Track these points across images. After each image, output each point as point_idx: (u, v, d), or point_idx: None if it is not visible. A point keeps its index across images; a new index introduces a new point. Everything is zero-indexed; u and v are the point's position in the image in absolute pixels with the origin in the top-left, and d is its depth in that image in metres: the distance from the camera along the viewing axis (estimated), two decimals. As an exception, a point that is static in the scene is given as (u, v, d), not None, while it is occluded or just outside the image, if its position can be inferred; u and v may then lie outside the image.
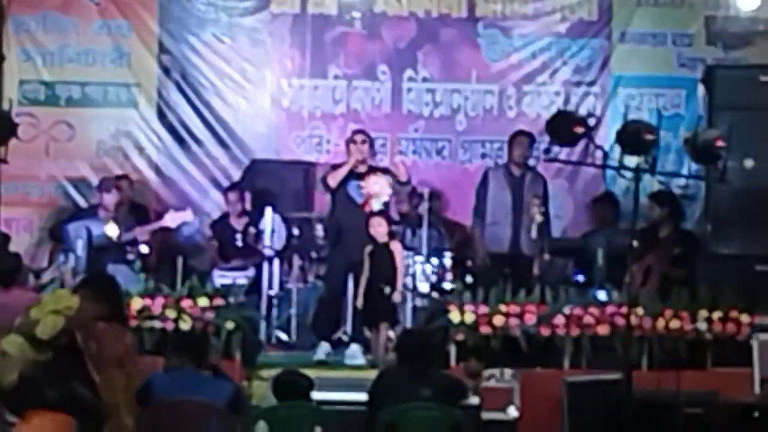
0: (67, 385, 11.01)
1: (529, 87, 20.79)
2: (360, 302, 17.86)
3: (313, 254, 19.20)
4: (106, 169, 20.23)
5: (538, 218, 18.10)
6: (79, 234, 18.55)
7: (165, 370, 14.82)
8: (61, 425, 10.67)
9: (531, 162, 18.76)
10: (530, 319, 16.55)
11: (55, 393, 11.07)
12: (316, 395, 14.46)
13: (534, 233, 18.17)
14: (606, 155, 15.86)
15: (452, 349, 16.49)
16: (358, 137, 18.79)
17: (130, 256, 18.43)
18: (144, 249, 18.42)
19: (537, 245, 18.40)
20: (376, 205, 18.03)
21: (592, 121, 16.75)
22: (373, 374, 14.98)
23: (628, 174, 15.18)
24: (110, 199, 18.78)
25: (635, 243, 15.81)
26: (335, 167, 18.57)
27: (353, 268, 18.05)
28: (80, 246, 18.24)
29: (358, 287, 17.93)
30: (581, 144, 15.98)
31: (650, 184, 16.86)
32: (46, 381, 10.91)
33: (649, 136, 15.04)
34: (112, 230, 18.25)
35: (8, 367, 11.30)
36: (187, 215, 19.13)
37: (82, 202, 20.11)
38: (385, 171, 18.51)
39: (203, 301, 16.67)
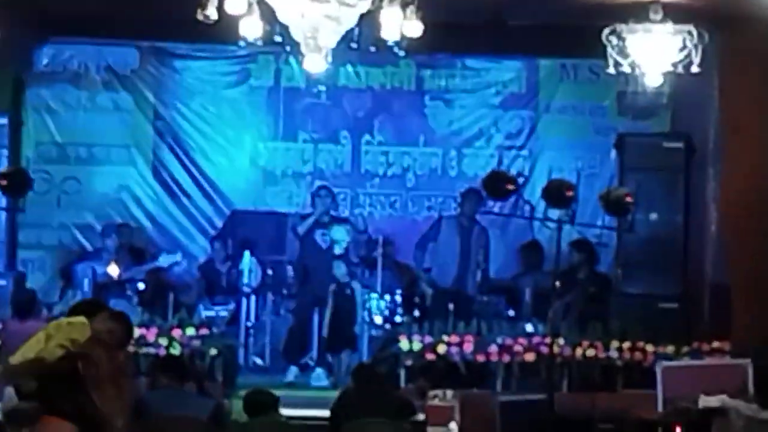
0: (75, 399, 11.20)
1: (468, 150, 20.84)
2: (326, 332, 18.05)
3: (284, 291, 19.28)
4: (108, 217, 20.26)
5: (482, 265, 18.33)
6: (86, 273, 18.67)
7: (153, 388, 15.00)
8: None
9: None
10: (468, 348, 16.67)
11: (68, 405, 11.25)
12: (286, 411, 14.52)
13: (478, 276, 18.39)
14: (533, 208, 16.13)
15: (402, 373, 16.61)
16: (323, 192, 18.97)
17: (129, 292, 18.54)
18: (141, 286, 18.49)
19: (477, 286, 18.62)
20: (337, 250, 18.22)
21: (521, 180, 16.97)
22: (334, 394, 15.09)
23: (552, 224, 15.45)
24: (112, 243, 18.87)
25: (557, 283, 16.01)
26: (303, 217, 18.75)
27: (318, 303, 18.24)
28: (86, 283, 18.37)
29: (323, 319, 18.12)
30: (512, 199, 16.16)
31: (570, 233, 16.94)
32: (60, 394, 11.09)
33: (569, 193, 15.28)
34: (113, 270, 18.35)
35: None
36: (177, 257, 19.24)
37: (88, 246, 20.14)
38: (345, 221, 18.71)
39: (191, 331, 16.78)
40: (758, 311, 16.81)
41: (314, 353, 18.39)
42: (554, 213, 15.38)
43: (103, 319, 11.82)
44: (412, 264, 19.59)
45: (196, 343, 16.68)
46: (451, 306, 17.79)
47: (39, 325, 15.55)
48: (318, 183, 19.94)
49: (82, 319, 11.76)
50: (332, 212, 18.80)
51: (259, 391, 14.57)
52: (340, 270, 18.24)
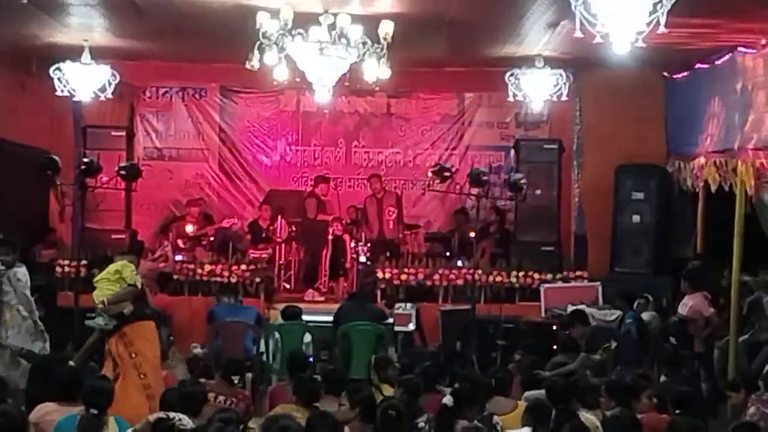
0: (148, 306, 11.32)
1: (420, 151, 20.81)
2: (327, 266, 18.15)
3: (302, 241, 19.28)
4: (190, 195, 20.21)
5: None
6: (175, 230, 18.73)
7: (218, 303, 15.09)
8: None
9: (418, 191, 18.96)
10: (420, 276, 16.77)
11: (148, 310, 11.34)
12: (306, 318, 14.72)
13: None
14: (461, 187, 16.08)
15: (378, 293, 16.66)
16: (319, 177, 19.16)
17: (204, 242, 18.54)
18: (211, 239, 18.54)
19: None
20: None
21: (453, 170, 16.95)
22: (336, 306, 15.19)
23: (473, 198, 15.47)
24: (193, 211, 18.89)
25: (475, 234, 16.08)
26: (309, 194, 18.90)
27: (322, 248, 18.32)
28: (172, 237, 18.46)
29: (325, 259, 18.23)
30: (448, 181, 16.16)
31: (485, 203, 16.97)
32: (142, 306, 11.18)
33: (485, 177, 15.29)
34: (190, 228, 18.37)
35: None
36: (234, 220, 19.25)
37: (177, 213, 20.09)
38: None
39: (243, 267, 16.82)
40: (603, 252, 16.93)
41: (324, 280, 18.46)
42: (475, 190, 15.41)
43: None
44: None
45: (247, 274, 16.69)
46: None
47: (147, 263, 15.69)
48: (323, 173, 19.98)
49: (126, 260, 11.75)
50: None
51: (289, 305, 14.74)
52: (336, 227, 18.37)
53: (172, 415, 7.25)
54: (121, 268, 11.42)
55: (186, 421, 7.18)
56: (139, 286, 11.41)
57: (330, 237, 18.32)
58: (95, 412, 7.72)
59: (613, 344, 12.65)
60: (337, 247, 18.34)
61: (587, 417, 8.69)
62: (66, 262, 16.44)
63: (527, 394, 10.22)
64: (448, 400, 8.60)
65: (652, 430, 8.30)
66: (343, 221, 18.65)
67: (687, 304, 13.21)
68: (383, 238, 18.55)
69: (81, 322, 14.18)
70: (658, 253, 16.66)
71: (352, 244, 18.44)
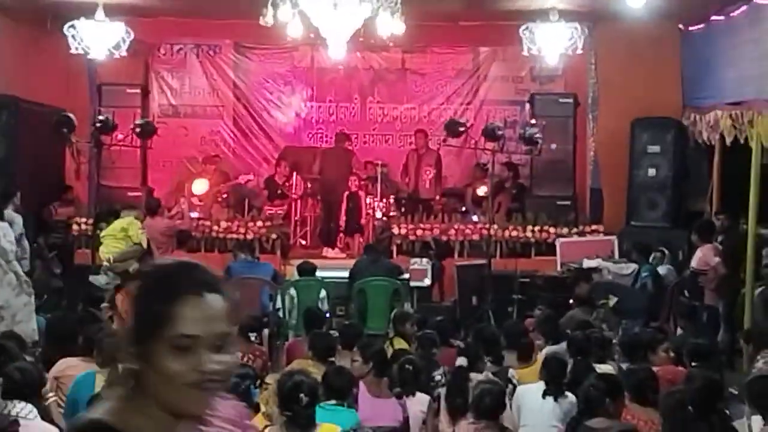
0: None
1: (435, 106, 20.79)
2: (342, 222, 18.18)
3: (318, 197, 19.27)
4: (205, 151, 20.23)
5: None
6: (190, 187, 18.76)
7: (235, 259, 15.12)
8: None
9: (434, 146, 18.93)
10: (436, 232, 16.78)
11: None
12: (321, 273, 14.75)
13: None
14: (476, 142, 16.07)
15: (394, 248, 16.69)
16: (342, 134, 19.07)
17: (219, 199, 18.56)
18: (224, 195, 18.57)
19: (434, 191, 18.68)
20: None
21: (468, 124, 16.94)
22: (352, 262, 15.20)
23: (488, 152, 15.45)
24: (209, 168, 18.93)
25: (487, 189, 16.07)
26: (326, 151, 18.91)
27: (338, 204, 18.34)
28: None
29: (341, 215, 18.26)
30: (463, 136, 16.17)
31: (500, 157, 16.90)
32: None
33: (500, 132, 15.30)
34: (201, 186, 18.40)
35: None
36: (250, 177, 19.29)
37: (192, 170, 20.11)
38: (353, 153, 18.77)
39: (259, 224, 16.87)
40: (619, 206, 16.88)
41: (341, 236, 18.50)
42: (490, 145, 15.40)
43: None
44: (398, 180, 19.54)
45: (263, 231, 16.72)
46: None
47: (163, 221, 15.73)
48: (339, 128, 19.94)
49: (132, 217, 11.75)
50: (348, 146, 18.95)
51: (305, 261, 14.76)
52: (353, 183, 18.37)
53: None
54: (127, 225, 11.48)
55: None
56: (145, 244, 11.47)
57: (345, 193, 18.32)
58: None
59: (612, 300, 12.65)
60: (353, 203, 18.35)
61: (602, 369, 8.70)
62: (83, 219, 16.49)
63: (546, 348, 10.21)
64: (462, 361, 8.65)
65: (669, 382, 8.30)
66: (360, 177, 18.61)
67: (697, 256, 13.24)
68: (417, 195, 18.53)
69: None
70: (674, 206, 16.62)
71: (368, 200, 18.45)
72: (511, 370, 8.91)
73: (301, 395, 6.38)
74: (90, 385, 7.43)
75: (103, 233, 11.95)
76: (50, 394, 7.71)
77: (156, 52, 20.48)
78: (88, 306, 11.71)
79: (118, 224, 11.68)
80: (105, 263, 11.31)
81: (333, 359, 9.01)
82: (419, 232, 16.80)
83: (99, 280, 11.38)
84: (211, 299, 2.83)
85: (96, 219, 13.75)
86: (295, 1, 11.61)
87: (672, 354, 9.45)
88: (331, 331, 10.67)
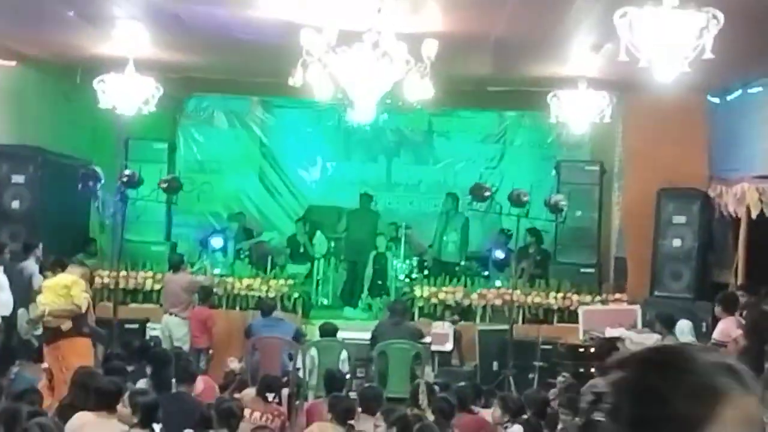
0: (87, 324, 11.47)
1: (461, 169, 20.85)
2: (368, 284, 18.16)
3: (341, 257, 19.32)
4: (230, 208, 20.34)
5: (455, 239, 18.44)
6: (215, 243, 18.81)
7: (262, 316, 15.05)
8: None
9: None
10: (458, 295, 16.72)
11: (86, 328, 11.52)
12: (342, 335, 14.73)
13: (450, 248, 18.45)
14: (501, 207, 16.07)
15: (416, 311, 16.63)
16: (366, 195, 19.11)
17: (242, 256, 18.62)
18: (247, 252, 18.63)
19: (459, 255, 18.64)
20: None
21: (493, 189, 16.96)
22: (374, 324, 15.17)
23: (513, 217, 15.44)
24: (233, 225, 19.01)
25: (516, 255, 16.05)
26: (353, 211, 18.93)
27: (362, 264, 18.34)
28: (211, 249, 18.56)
29: (366, 275, 18.25)
30: (488, 201, 16.17)
31: (525, 223, 16.88)
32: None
33: (525, 198, 15.29)
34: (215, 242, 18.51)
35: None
36: (274, 235, 19.35)
37: (216, 226, 20.18)
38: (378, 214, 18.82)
39: (282, 281, 16.84)
40: (643, 275, 16.80)
41: (363, 297, 18.48)
42: (515, 210, 15.41)
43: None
44: (423, 241, 19.55)
45: (285, 289, 16.66)
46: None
47: (186, 276, 15.74)
48: (363, 189, 19.99)
49: (77, 277, 11.79)
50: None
51: (327, 322, 14.75)
52: (382, 243, 18.39)
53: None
54: (71, 284, 11.53)
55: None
56: (84, 308, 11.57)
57: (372, 254, 18.33)
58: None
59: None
60: (381, 264, 18.35)
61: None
62: (105, 273, 16.51)
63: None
64: (517, 430, 8.60)
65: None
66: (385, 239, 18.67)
67: (719, 329, 13.16)
68: (439, 258, 18.49)
69: (120, 333, 14.37)
70: (698, 277, 16.55)
71: (394, 262, 18.46)
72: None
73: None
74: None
75: (45, 282, 12.00)
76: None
77: (184, 107, 20.63)
78: (110, 359, 11.75)
79: (62, 279, 11.67)
80: (38, 313, 11.43)
81: (352, 422, 8.99)
82: (441, 295, 16.74)
83: (23, 328, 11.61)
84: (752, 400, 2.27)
85: (41, 267, 13.86)
86: (324, 63, 11.66)
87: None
88: (351, 393, 10.64)
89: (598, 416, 7.06)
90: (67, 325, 11.44)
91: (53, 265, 13.10)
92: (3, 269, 13.88)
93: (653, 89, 14.22)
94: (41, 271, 13.56)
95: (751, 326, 12.97)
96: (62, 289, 11.52)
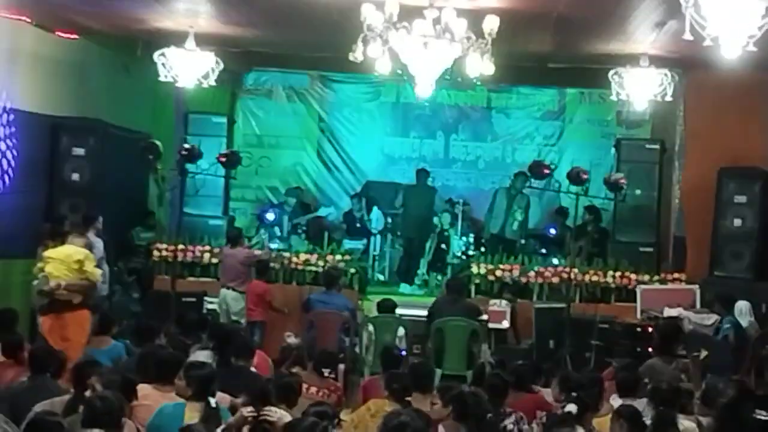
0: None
1: (519, 146, 20.82)
2: (429, 259, 18.16)
3: (398, 233, 19.33)
4: (288, 183, 20.40)
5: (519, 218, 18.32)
6: (272, 217, 18.87)
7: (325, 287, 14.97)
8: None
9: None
10: (515, 273, 16.66)
11: (91, 301, 11.52)
12: (399, 311, 14.71)
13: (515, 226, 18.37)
14: (560, 185, 16.01)
15: (473, 288, 16.59)
16: (423, 171, 19.09)
17: (299, 231, 18.66)
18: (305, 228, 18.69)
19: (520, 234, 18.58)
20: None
21: (552, 167, 16.88)
22: (431, 300, 15.13)
23: (572, 196, 15.36)
24: (291, 200, 19.03)
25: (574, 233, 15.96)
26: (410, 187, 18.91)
27: (421, 240, 18.33)
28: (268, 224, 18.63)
29: (428, 250, 18.23)
30: (547, 179, 16.12)
31: (584, 201, 16.80)
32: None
33: (584, 176, 15.22)
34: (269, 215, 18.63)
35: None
36: (331, 210, 19.36)
37: (274, 200, 20.27)
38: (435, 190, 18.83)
39: (339, 257, 16.82)
40: (702, 255, 16.66)
41: (420, 273, 18.49)
42: (574, 188, 15.33)
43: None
44: (481, 218, 19.53)
45: (341, 264, 16.60)
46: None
47: (243, 251, 15.78)
48: (421, 165, 19.98)
49: (87, 251, 11.75)
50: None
51: (385, 298, 14.73)
52: (445, 219, 18.40)
53: (272, 408, 7.27)
54: (84, 258, 11.46)
55: (281, 413, 7.19)
56: (99, 282, 11.57)
57: (437, 229, 18.35)
58: (214, 405, 7.69)
59: (703, 353, 12.43)
60: (442, 240, 18.35)
61: (686, 424, 8.55)
62: (163, 246, 16.59)
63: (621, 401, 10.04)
64: (572, 408, 8.53)
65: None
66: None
67: (780, 309, 13.06)
68: (503, 236, 18.45)
69: (177, 306, 14.44)
70: (759, 258, 16.36)
71: (455, 238, 18.47)
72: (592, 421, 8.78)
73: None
74: (179, 417, 7.45)
75: (47, 253, 11.91)
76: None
77: (243, 81, 20.69)
78: (173, 333, 11.81)
79: (72, 253, 11.58)
80: (53, 285, 11.38)
81: (409, 399, 8.96)
82: (498, 273, 16.69)
83: (35, 298, 11.69)
84: None
85: (39, 236, 13.87)
86: (385, 38, 11.61)
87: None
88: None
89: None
90: (78, 299, 11.46)
91: (52, 234, 13.16)
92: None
93: (716, 67, 14.07)
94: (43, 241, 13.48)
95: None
96: (74, 264, 11.48)
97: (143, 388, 8.33)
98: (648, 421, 8.39)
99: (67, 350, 10.30)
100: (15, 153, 14.70)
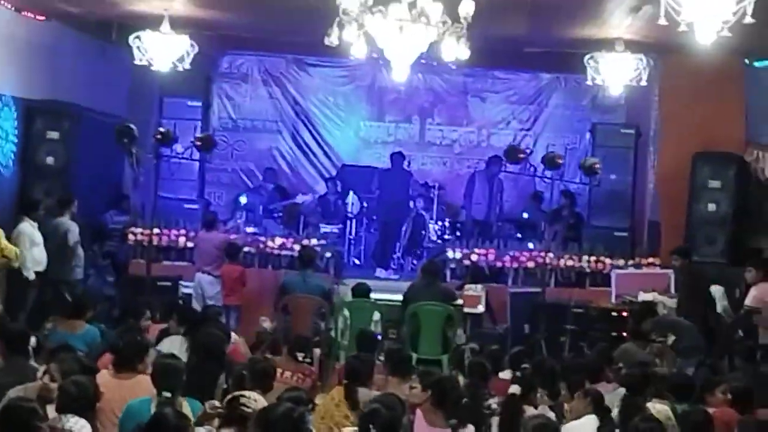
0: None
1: (495, 130, 20.80)
2: (405, 243, 18.17)
3: (374, 217, 19.32)
4: (263, 166, 20.37)
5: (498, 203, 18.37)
6: (247, 201, 18.85)
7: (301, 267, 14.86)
8: None
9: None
10: (491, 257, 16.69)
11: None
12: (375, 295, 14.69)
13: (497, 211, 18.42)
14: (535, 169, 16.01)
15: (448, 273, 16.59)
16: (398, 155, 19.08)
17: (275, 215, 18.65)
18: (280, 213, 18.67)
19: (495, 217, 18.62)
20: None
21: (528, 151, 16.88)
22: (406, 285, 15.11)
23: (547, 180, 15.38)
24: (268, 184, 19.02)
25: (549, 217, 15.99)
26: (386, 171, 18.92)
27: (396, 225, 18.33)
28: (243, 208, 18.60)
29: (403, 235, 18.24)
30: (522, 163, 16.11)
31: (558, 186, 16.83)
32: None
33: (560, 161, 15.24)
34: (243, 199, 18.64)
35: None
36: (307, 197, 19.36)
37: (249, 184, 20.25)
38: (411, 174, 18.83)
39: (314, 241, 16.78)
40: (677, 240, 16.68)
41: (395, 257, 18.51)
42: (549, 173, 15.35)
43: None
44: (456, 202, 19.55)
45: (317, 248, 16.57)
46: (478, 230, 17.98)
47: (219, 235, 15.77)
48: (396, 149, 19.97)
49: None
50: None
51: (360, 282, 14.69)
52: (420, 204, 18.41)
53: (246, 394, 7.24)
54: None
55: (257, 397, 7.17)
56: (15, 258, 11.32)
57: (411, 214, 18.36)
58: (168, 395, 7.53)
59: (671, 338, 12.47)
60: (417, 224, 18.36)
61: (658, 408, 8.59)
62: (138, 230, 16.54)
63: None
64: (515, 389, 8.59)
65: (725, 425, 8.19)
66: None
67: (752, 294, 13.08)
68: (476, 219, 18.52)
69: (153, 290, 14.40)
70: (733, 243, 16.44)
71: (431, 222, 18.49)
72: (566, 404, 8.83)
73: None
74: (145, 411, 7.33)
75: None
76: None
77: (218, 65, 20.63)
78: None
79: None
80: None
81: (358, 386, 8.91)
82: (473, 257, 16.69)
83: None
84: None
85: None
86: (361, 23, 11.58)
87: (729, 396, 9.28)
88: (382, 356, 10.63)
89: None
90: None
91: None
92: (38, 225, 13.92)
93: (691, 52, 14.10)
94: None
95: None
96: None
97: (102, 375, 8.25)
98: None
99: None
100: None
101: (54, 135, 16.05)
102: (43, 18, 15.79)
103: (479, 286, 15.17)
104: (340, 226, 18.82)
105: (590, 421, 8.14)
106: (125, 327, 10.78)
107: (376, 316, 13.97)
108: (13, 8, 15.04)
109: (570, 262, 16.56)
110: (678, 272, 14.70)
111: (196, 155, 16.53)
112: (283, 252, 16.63)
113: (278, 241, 16.73)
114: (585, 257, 16.59)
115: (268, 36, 18.06)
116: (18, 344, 8.88)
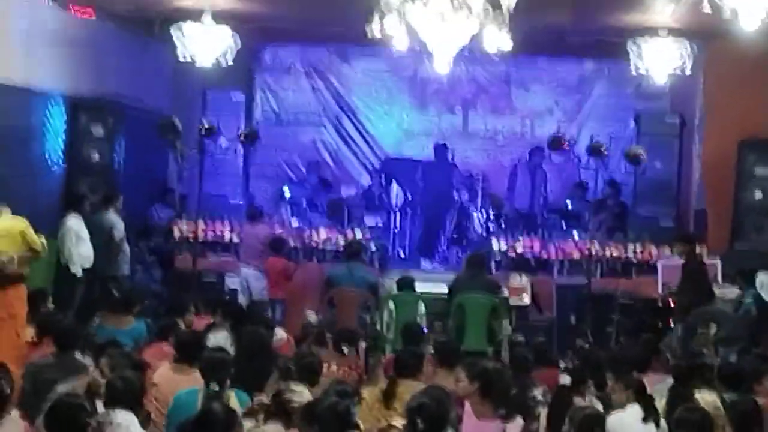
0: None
1: (539, 121, 20.71)
2: (449, 234, 18.13)
3: (418, 209, 19.29)
4: (306, 158, 20.39)
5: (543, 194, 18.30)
6: (291, 195, 18.87)
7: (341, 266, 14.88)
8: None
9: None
10: (536, 249, 16.64)
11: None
12: (420, 288, 14.64)
13: (541, 202, 18.37)
14: (580, 160, 15.96)
15: (493, 264, 16.55)
16: (442, 146, 19.06)
17: (320, 209, 18.66)
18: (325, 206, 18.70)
19: (539, 208, 18.57)
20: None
21: (572, 141, 16.81)
22: (451, 277, 15.06)
23: (591, 170, 15.31)
24: (312, 177, 19.05)
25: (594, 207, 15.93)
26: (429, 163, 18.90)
27: (440, 216, 18.30)
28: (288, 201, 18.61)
29: (449, 226, 18.21)
30: (567, 153, 16.07)
31: (603, 175, 16.76)
32: None
33: (604, 150, 15.15)
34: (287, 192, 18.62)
35: None
36: (351, 190, 19.36)
37: (293, 177, 20.25)
38: (455, 166, 18.79)
39: (359, 233, 16.80)
40: (723, 228, 16.59)
41: (440, 249, 18.47)
42: (593, 163, 15.29)
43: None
44: (499, 193, 19.47)
45: (362, 241, 16.55)
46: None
47: (265, 228, 15.79)
48: (440, 141, 19.96)
49: (22, 218, 11.47)
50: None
51: (405, 275, 14.64)
52: (464, 195, 18.36)
53: (292, 387, 7.25)
54: (25, 229, 11.10)
55: (303, 391, 7.18)
56: (44, 251, 11.32)
57: (456, 205, 18.33)
58: (216, 388, 7.60)
59: (712, 329, 12.38)
60: (461, 216, 18.32)
61: (707, 398, 8.52)
62: (184, 225, 16.60)
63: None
64: (566, 380, 8.55)
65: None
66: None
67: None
68: (521, 211, 18.51)
69: (198, 285, 14.45)
70: (781, 230, 16.35)
71: (475, 214, 18.44)
72: (613, 396, 8.77)
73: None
74: (193, 403, 7.41)
75: None
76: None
77: (260, 57, 20.66)
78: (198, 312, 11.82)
79: (13, 225, 11.24)
80: (4, 259, 11.02)
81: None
82: (518, 248, 16.65)
83: None
84: None
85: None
86: (402, 13, 11.56)
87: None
88: (429, 348, 10.60)
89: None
90: (27, 271, 11.19)
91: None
92: (83, 221, 13.98)
93: (735, 39, 13.98)
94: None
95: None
96: (18, 236, 11.17)
97: (162, 370, 8.33)
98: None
99: (15, 327, 10.43)
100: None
101: (99, 131, 16.12)
102: (88, 15, 15.86)
103: (524, 277, 15.13)
104: (385, 218, 18.78)
105: (634, 411, 8.09)
106: (170, 323, 10.83)
107: (422, 308, 13.91)
108: (58, 5, 15.12)
109: (616, 252, 16.47)
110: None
111: (240, 149, 16.57)
112: (328, 246, 16.62)
113: (323, 234, 16.75)
114: (631, 247, 16.50)
115: (309, 27, 18.04)
116: (67, 340, 8.92)
